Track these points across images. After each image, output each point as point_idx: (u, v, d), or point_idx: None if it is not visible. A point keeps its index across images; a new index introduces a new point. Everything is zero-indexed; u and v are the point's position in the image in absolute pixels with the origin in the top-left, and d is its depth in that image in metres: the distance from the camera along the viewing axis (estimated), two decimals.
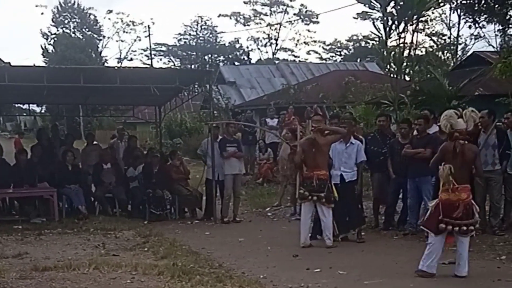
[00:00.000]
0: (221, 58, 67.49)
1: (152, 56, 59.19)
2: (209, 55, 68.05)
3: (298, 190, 10.60)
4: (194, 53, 67.34)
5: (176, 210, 14.43)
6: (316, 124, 10.52)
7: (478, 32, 35.42)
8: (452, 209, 7.98)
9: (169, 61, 67.35)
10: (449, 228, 7.96)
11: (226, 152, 13.46)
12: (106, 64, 62.00)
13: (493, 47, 29.75)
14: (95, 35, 70.62)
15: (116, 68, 22.52)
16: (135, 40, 65.87)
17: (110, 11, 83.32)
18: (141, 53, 69.47)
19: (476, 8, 14.40)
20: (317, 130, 10.48)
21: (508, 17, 14.52)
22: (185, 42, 67.96)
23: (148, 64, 55.12)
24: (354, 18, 74.12)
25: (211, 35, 68.31)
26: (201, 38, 68.01)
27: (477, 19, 14.72)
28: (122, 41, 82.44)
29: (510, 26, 14.99)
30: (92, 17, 71.21)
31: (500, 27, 15.47)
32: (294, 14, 65.32)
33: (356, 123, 13.15)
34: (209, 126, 14.63)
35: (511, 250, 9.59)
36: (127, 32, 65.71)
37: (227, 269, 8.79)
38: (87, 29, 70.23)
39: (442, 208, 8.01)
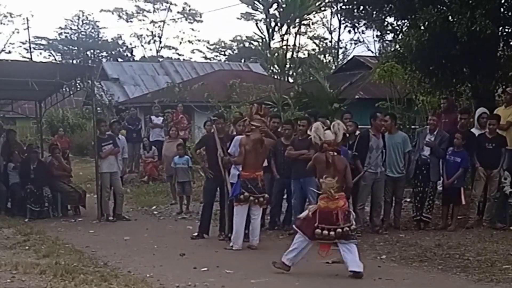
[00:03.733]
0: (104, 54, 65.98)
1: (32, 49, 57.41)
2: (91, 51, 66.44)
3: (241, 193, 10.07)
4: (76, 48, 65.57)
5: (58, 208, 14.09)
6: (259, 124, 10.20)
7: (358, 37, 36.66)
8: (329, 216, 8.22)
9: (49, 55, 65.19)
10: (325, 233, 8.16)
11: (103, 152, 13.41)
12: None
13: (372, 52, 30.90)
14: None
15: None
16: (13, 33, 63.36)
17: None
18: (20, 46, 66.95)
19: (355, 14, 14.82)
20: (260, 131, 10.19)
21: (385, 23, 15.07)
22: (66, 36, 66.00)
23: (28, 58, 53.22)
24: (238, 18, 74.83)
25: (93, 30, 66.83)
26: (82, 33, 66.34)
27: (356, 24, 15.15)
28: None
29: (388, 32, 15.56)
30: None
31: (378, 33, 16.03)
32: (178, 12, 65.06)
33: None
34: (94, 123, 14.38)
35: (391, 249, 9.98)
36: (4, 24, 63.11)
37: (112, 268, 8.68)
38: None
39: (319, 216, 8.24)
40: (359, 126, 12.10)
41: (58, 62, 54.68)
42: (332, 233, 8.16)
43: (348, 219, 8.29)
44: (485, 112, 12.16)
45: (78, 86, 14.57)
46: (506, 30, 13.24)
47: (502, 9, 12.85)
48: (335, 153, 8.51)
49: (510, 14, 13.02)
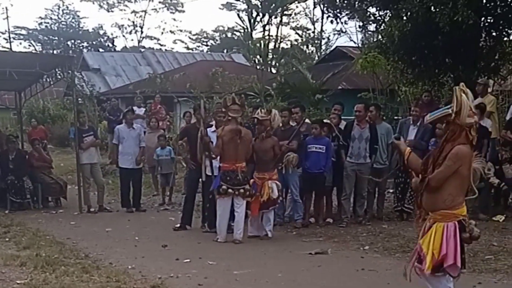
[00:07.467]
0: (85, 44, 65.47)
1: (12, 39, 56.99)
2: (72, 41, 65.97)
3: (220, 186, 9.93)
4: (56, 38, 65.06)
5: (39, 199, 13.98)
6: (235, 114, 10.00)
7: (341, 28, 36.48)
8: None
9: (29, 45, 64.67)
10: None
11: (84, 143, 13.35)
12: None
13: (355, 42, 30.81)
14: None
15: None
16: None
17: None
18: None
19: (337, 4, 14.80)
20: (235, 121, 10.00)
21: (368, 14, 15.06)
22: (46, 26, 65.46)
23: (7, 48, 52.78)
24: (220, 8, 74.63)
25: (73, 20, 66.30)
26: (63, 23, 65.81)
27: (338, 15, 15.13)
28: None
29: (370, 23, 15.56)
30: None
31: (361, 24, 16.02)
32: (159, 2, 64.61)
33: None
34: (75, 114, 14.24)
35: (374, 240, 9.98)
36: None
37: (94, 260, 8.63)
38: None
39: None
40: (342, 117, 12.06)
41: (38, 52, 54.26)
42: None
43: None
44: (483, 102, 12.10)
45: (59, 76, 14.43)
46: (488, 20, 13.28)
47: (483, 0, 12.87)
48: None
49: (492, 4, 13.05)
